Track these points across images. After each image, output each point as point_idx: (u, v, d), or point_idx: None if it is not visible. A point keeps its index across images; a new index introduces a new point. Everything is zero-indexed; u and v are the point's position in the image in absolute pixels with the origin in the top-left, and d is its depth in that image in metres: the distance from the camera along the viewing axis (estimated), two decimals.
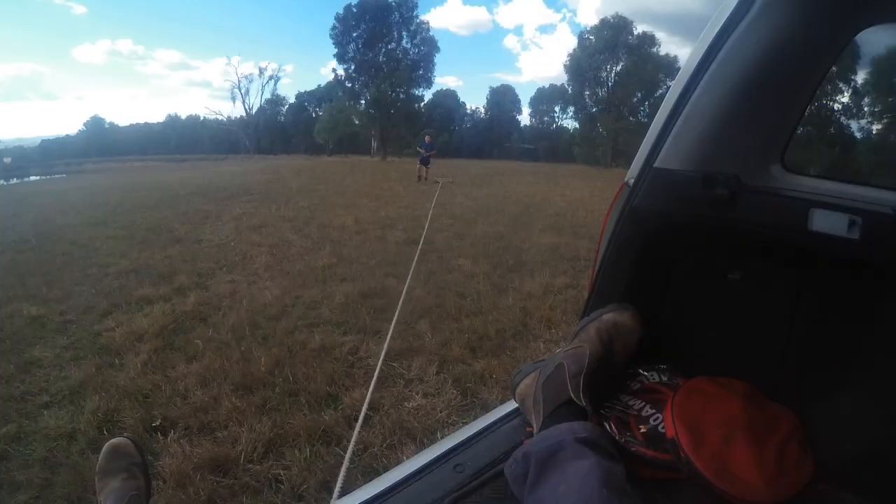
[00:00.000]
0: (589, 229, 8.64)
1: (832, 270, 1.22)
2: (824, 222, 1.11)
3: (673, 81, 1.27)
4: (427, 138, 19.26)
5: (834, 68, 1.32)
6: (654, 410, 1.30)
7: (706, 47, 1.17)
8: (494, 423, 1.41)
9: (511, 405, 1.49)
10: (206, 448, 2.43)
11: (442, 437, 2.50)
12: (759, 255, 1.34)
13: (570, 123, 61.70)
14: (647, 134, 1.32)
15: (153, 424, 2.67)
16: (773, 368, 1.33)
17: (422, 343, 3.62)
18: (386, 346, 2.88)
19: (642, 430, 1.27)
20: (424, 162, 17.98)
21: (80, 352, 3.63)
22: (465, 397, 2.91)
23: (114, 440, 1.48)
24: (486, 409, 2.77)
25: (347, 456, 1.82)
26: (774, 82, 1.20)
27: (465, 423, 2.63)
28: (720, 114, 1.22)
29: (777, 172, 1.31)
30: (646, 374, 1.43)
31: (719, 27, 1.15)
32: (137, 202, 11.80)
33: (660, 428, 1.25)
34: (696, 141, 1.25)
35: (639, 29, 48.09)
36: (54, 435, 2.64)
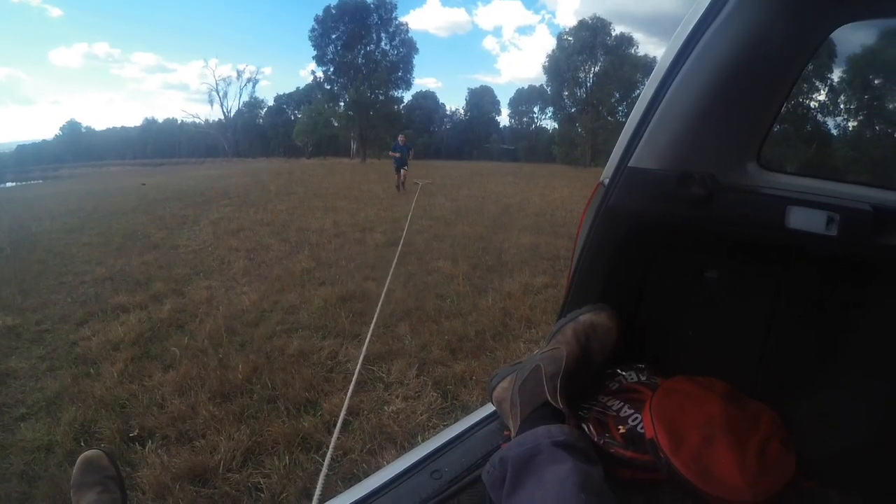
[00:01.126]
0: (568, 229, 8.68)
1: (810, 267, 1.22)
2: (802, 219, 1.11)
3: (648, 80, 1.26)
4: (401, 138, 16.20)
5: (810, 66, 1.33)
6: (632, 410, 1.29)
7: (680, 45, 1.16)
8: (472, 427, 1.40)
9: (489, 409, 1.48)
10: (184, 458, 2.39)
11: (421, 441, 2.50)
12: (736, 254, 1.34)
13: (549, 124, 62.11)
14: (622, 133, 1.31)
15: (130, 435, 2.62)
16: (753, 366, 1.33)
17: (401, 346, 3.60)
18: (364, 349, 2.85)
19: (621, 431, 1.26)
20: (400, 164, 15.52)
21: (56, 362, 3.56)
22: (446, 399, 2.91)
23: (87, 453, 1.45)
24: (468, 412, 2.77)
25: (326, 462, 1.80)
26: (750, 80, 1.20)
27: (444, 427, 2.64)
28: (695, 112, 1.21)
29: (753, 170, 1.31)
30: (624, 373, 1.43)
31: (693, 25, 1.14)
32: (113, 208, 11.66)
33: (639, 428, 1.24)
34: (671, 140, 1.25)
35: (617, 30, 48.57)
36: (31, 447, 2.59)
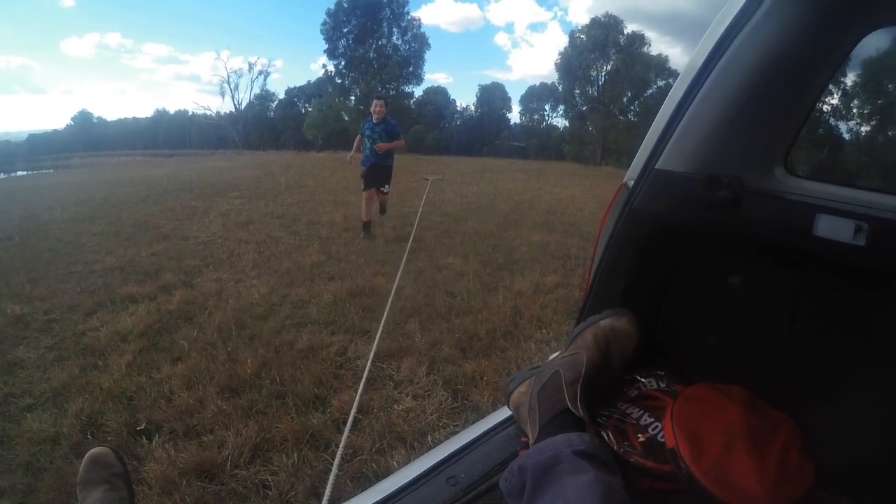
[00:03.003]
0: (579, 227, 8.64)
1: (834, 276, 1.19)
2: (830, 228, 1.08)
3: (675, 81, 1.23)
4: (377, 106, 7.43)
5: (839, 70, 1.29)
6: (652, 419, 1.27)
7: (711, 48, 1.14)
8: (488, 431, 1.37)
9: (505, 412, 1.45)
10: (191, 453, 2.37)
11: (434, 445, 2.47)
12: (759, 259, 1.32)
13: (559, 122, 62.02)
14: (648, 135, 1.28)
15: (137, 428, 2.61)
16: (773, 374, 1.31)
17: (411, 343, 3.57)
18: (374, 346, 2.83)
19: (641, 440, 1.24)
20: (376, 177, 7.47)
21: (63, 352, 3.55)
22: (456, 399, 2.87)
23: (94, 450, 1.42)
24: (479, 412, 2.74)
25: (336, 462, 1.77)
26: (780, 84, 1.17)
27: (457, 430, 2.61)
28: (724, 115, 1.18)
29: (781, 175, 1.27)
30: (643, 380, 1.40)
31: (725, 27, 1.12)
32: (124, 198, 11.65)
33: (659, 437, 1.22)
34: (699, 142, 1.22)
35: (629, 28, 48.33)
36: (38, 439, 2.57)
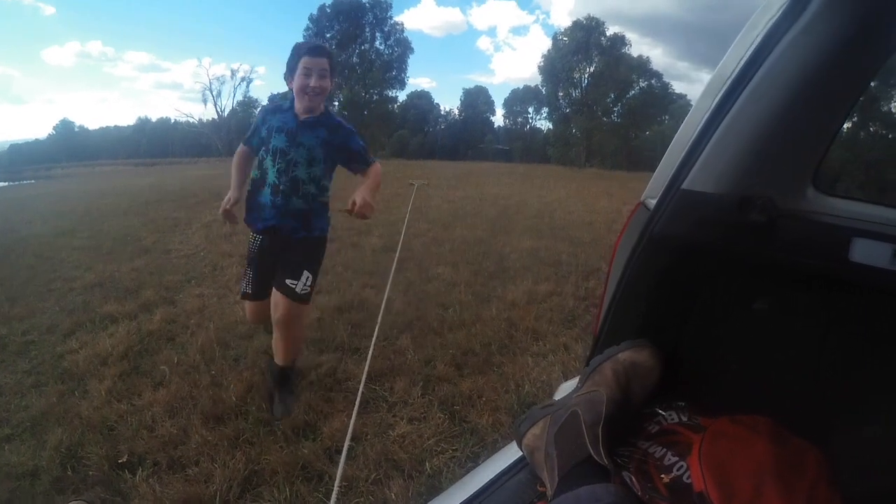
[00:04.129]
0: (568, 232, 8.58)
1: (863, 301, 1.11)
2: (866, 252, 1.01)
3: (700, 95, 1.14)
4: (308, 77, 2.62)
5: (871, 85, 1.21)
6: (676, 457, 1.17)
7: (745, 61, 1.05)
8: (499, 477, 1.25)
9: (514, 452, 1.34)
10: (177, 488, 2.23)
11: (432, 473, 2.35)
12: (787, 285, 1.23)
13: (543, 124, 62.40)
14: (670, 151, 1.18)
15: (119, 461, 2.46)
16: (798, 402, 1.23)
17: (404, 361, 3.45)
18: (367, 368, 2.71)
19: (665, 481, 1.14)
20: (276, 244, 2.85)
21: (41, 377, 3.39)
22: (454, 422, 2.75)
23: None
24: (477, 435, 2.63)
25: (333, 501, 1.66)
26: (815, 100, 1.08)
27: (456, 454, 2.50)
28: (759, 132, 1.09)
29: (812, 195, 1.18)
30: (664, 413, 1.30)
31: (760, 39, 1.03)
32: (105, 210, 11.46)
33: (685, 478, 1.12)
34: (730, 161, 1.12)
35: (611, 30, 48.69)
36: (16, 473, 2.42)
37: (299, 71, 2.60)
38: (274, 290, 2.76)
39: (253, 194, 2.83)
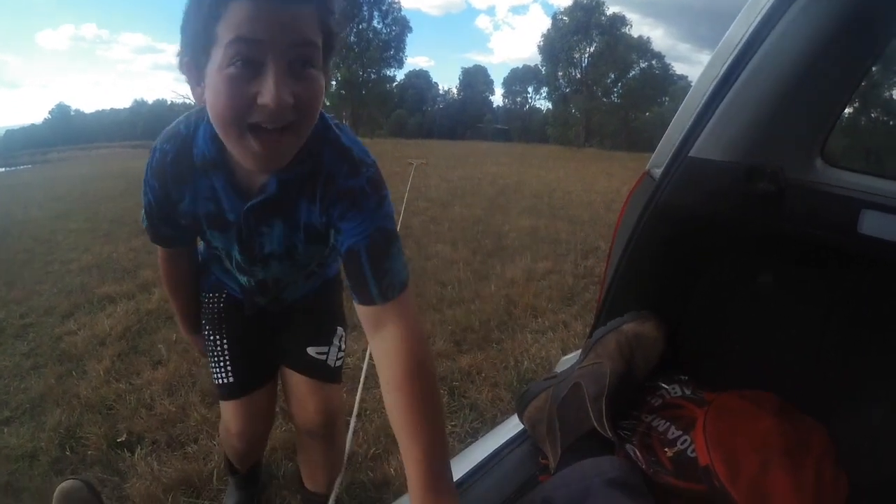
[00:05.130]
0: (567, 211, 8.56)
1: (875, 276, 1.09)
2: (876, 225, 0.99)
3: (709, 59, 1.10)
4: (214, 94, 0.80)
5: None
6: (679, 431, 1.15)
7: (755, 26, 1.02)
8: (500, 450, 1.24)
9: (515, 424, 1.32)
10: (175, 466, 2.22)
11: None
12: (793, 258, 1.20)
13: (543, 104, 62.13)
14: (677, 118, 1.15)
15: (118, 440, 2.44)
16: (802, 379, 1.21)
17: None
18: (370, 351, 2.70)
19: (669, 455, 1.13)
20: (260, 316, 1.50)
21: (40, 359, 3.37)
22: (453, 398, 2.73)
23: (64, 484, 1.27)
24: (477, 410, 2.62)
25: (338, 482, 1.65)
26: (825, 68, 1.06)
27: (455, 429, 2.49)
28: (769, 100, 1.07)
29: (820, 167, 1.15)
30: (666, 387, 1.28)
31: (769, 7, 1.01)
32: (102, 192, 11.42)
33: (689, 452, 1.11)
34: (739, 129, 1.09)
35: (611, 10, 48.32)
36: (15, 455, 2.40)
37: (230, 53, 0.77)
38: (287, 371, 1.57)
39: (210, 265, 1.55)
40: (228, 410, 1.56)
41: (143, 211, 1.22)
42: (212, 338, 1.53)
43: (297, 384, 1.53)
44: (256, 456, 1.92)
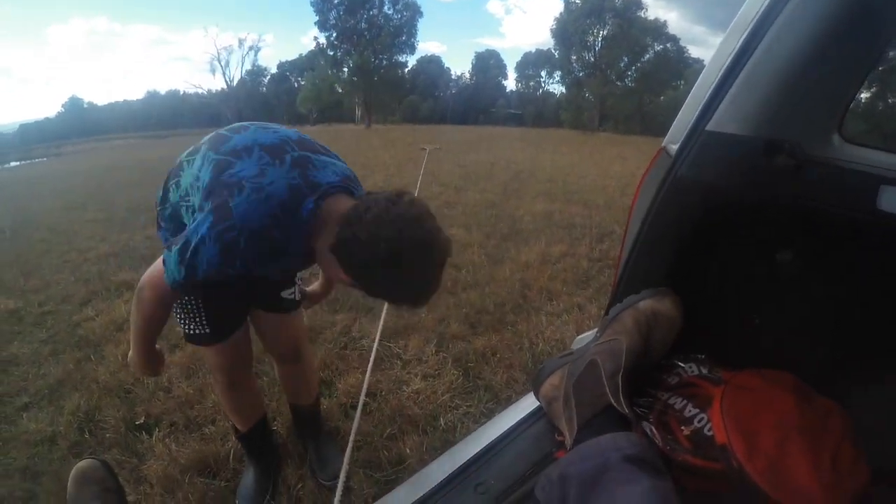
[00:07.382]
0: (582, 195, 8.49)
1: (890, 251, 1.07)
2: (895, 201, 0.97)
3: (726, 33, 1.08)
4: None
5: None
6: (697, 409, 1.14)
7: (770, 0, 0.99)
8: (516, 427, 1.24)
9: (531, 403, 1.32)
10: (193, 447, 2.25)
11: (446, 428, 2.35)
12: (812, 234, 1.18)
13: (556, 88, 61.55)
14: (693, 92, 1.13)
15: (136, 423, 2.48)
16: (820, 358, 1.19)
17: (418, 319, 3.43)
18: (381, 325, 2.71)
19: (685, 433, 1.12)
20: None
21: (58, 346, 3.41)
22: (468, 378, 2.74)
23: (81, 463, 1.29)
24: (492, 391, 2.62)
25: (347, 456, 1.66)
26: (843, 41, 1.03)
27: (469, 410, 2.49)
28: (786, 73, 1.04)
29: (838, 143, 1.13)
30: (683, 365, 1.27)
31: None
32: (117, 183, 11.54)
33: (706, 430, 1.10)
34: (757, 103, 1.07)
35: None
36: (34, 440, 2.44)
37: None
38: (263, 315, 1.85)
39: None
40: (208, 356, 1.83)
41: (180, 274, 1.28)
42: (186, 299, 1.64)
43: (269, 320, 1.85)
44: (251, 401, 2.02)
